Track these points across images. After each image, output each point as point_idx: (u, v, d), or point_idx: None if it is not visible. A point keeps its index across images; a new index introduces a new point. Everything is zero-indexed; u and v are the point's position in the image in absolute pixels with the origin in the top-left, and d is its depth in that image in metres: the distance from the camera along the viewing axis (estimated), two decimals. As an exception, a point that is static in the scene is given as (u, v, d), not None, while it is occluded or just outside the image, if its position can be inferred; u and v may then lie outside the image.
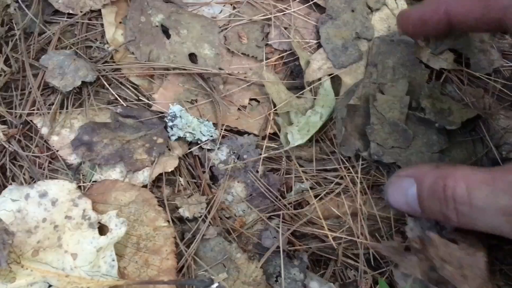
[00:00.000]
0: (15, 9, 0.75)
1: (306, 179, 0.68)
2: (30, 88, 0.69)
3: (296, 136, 0.69)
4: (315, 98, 0.72)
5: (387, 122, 0.67)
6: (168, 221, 0.63)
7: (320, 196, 0.67)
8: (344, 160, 0.69)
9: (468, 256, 0.55)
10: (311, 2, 0.78)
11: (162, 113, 0.70)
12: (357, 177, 0.68)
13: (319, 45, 0.75)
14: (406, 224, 0.62)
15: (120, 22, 0.76)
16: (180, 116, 0.68)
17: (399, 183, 0.57)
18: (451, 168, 0.52)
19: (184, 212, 0.64)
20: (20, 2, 0.74)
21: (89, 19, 0.75)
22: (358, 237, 0.64)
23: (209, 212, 0.64)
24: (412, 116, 0.68)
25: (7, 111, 0.67)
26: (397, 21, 0.69)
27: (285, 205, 0.66)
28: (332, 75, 0.73)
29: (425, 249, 0.57)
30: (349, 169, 0.68)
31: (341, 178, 0.68)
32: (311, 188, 0.67)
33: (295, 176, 0.68)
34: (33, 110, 0.68)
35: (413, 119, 0.68)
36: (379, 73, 0.71)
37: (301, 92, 0.73)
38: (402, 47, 0.72)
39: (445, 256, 0.55)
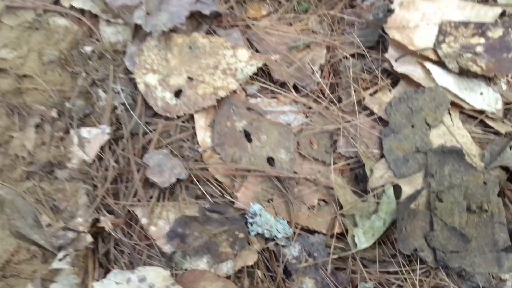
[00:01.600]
0: (121, 111, 0.88)
1: (370, 279, 0.76)
2: (133, 182, 0.81)
3: (362, 239, 0.77)
4: (378, 203, 0.81)
5: (447, 228, 0.75)
6: (249, 312, 0.71)
7: (383, 298, 0.74)
8: (405, 264, 0.76)
9: None
10: (376, 116, 0.88)
11: (243, 209, 0.80)
12: (416, 279, 0.75)
13: (382, 155, 0.85)
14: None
15: (209, 126, 0.88)
16: (260, 215, 0.78)
17: None
18: None
19: (262, 304, 0.73)
20: (127, 104, 0.88)
21: (183, 122, 0.88)
22: None
23: (284, 307, 0.73)
24: (473, 218, 0.75)
25: (114, 203, 0.79)
26: None
27: (351, 304, 0.74)
28: (393, 183, 0.82)
29: None
30: (409, 272, 0.76)
31: (402, 280, 0.75)
32: (375, 288, 0.75)
33: (360, 275, 0.76)
34: (135, 202, 0.80)
35: (474, 221, 0.76)
36: (437, 182, 0.80)
37: (365, 197, 0.82)
38: (454, 156, 0.81)
39: None
